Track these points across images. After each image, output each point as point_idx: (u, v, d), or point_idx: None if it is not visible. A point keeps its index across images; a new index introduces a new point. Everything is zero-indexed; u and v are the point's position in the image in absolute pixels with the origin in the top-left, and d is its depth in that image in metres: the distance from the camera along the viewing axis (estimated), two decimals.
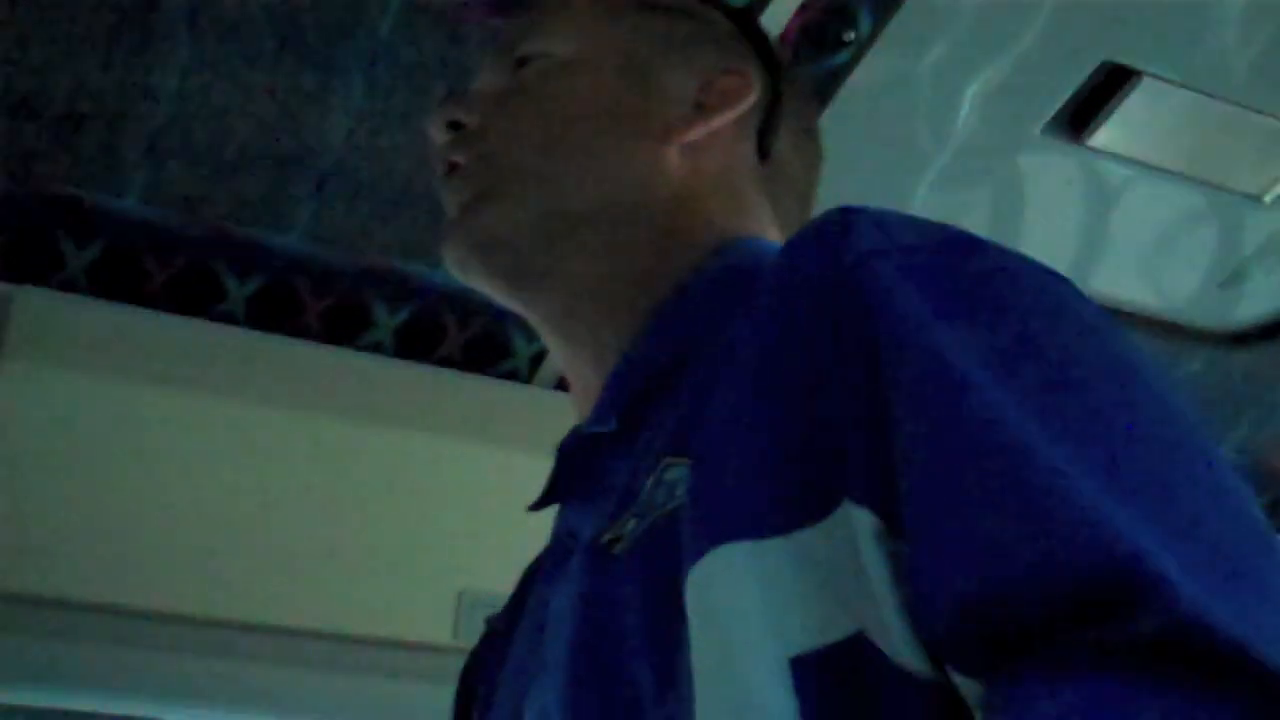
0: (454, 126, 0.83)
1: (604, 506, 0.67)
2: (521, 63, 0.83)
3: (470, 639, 0.88)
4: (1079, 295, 0.57)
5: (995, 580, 0.45)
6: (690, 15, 0.87)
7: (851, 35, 1.35)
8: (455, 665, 0.87)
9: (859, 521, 0.51)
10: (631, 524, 0.63)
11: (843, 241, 0.58)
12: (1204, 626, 0.41)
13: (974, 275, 0.56)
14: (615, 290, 0.76)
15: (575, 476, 0.75)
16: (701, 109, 0.81)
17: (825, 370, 0.55)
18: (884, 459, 0.51)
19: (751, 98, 0.81)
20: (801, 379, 0.56)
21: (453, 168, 0.81)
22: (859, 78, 1.38)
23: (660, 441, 0.65)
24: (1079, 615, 0.43)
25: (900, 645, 0.49)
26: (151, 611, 1.46)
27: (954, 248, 0.57)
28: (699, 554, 0.55)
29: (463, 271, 0.80)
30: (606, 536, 0.64)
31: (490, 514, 1.61)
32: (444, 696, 0.87)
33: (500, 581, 0.89)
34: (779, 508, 0.54)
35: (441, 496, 1.64)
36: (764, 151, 0.83)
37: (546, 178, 0.78)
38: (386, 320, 1.63)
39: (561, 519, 0.77)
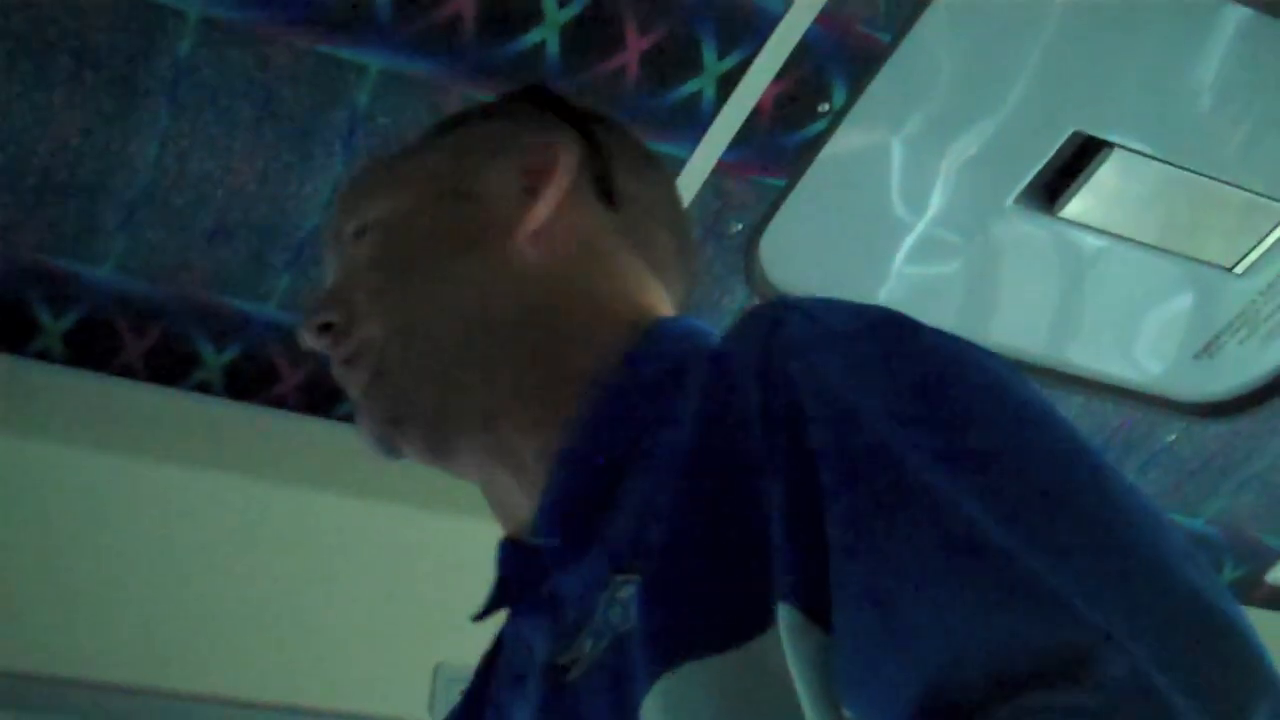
0: (324, 328, 0.82)
1: (557, 623, 0.67)
2: (359, 236, 0.83)
3: (446, 713, 0.87)
4: (1010, 370, 0.58)
5: (952, 660, 0.46)
6: (485, 115, 0.87)
7: (826, 106, 1.36)
8: None
9: (784, 618, 0.51)
10: (589, 644, 0.62)
11: (773, 336, 0.59)
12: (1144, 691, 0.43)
13: (904, 356, 0.56)
14: (528, 400, 0.74)
15: (522, 586, 0.74)
16: (530, 192, 0.80)
17: (761, 472, 0.55)
18: (812, 552, 0.51)
19: (571, 158, 0.80)
20: (742, 486, 0.56)
21: (345, 363, 0.81)
22: (834, 148, 1.40)
23: (611, 556, 0.64)
24: (1025, 685, 0.44)
25: None
26: (124, 686, 1.44)
27: (884, 330, 0.58)
28: (655, 676, 0.54)
29: (385, 448, 0.78)
30: (563, 659, 0.64)
31: (466, 587, 1.58)
32: None
33: (477, 655, 0.88)
34: (735, 619, 0.54)
35: (417, 569, 1.62)
36: (610, 199, 0.82)
37: (417, 324, 0.77)
38: None
39: (512, 624, 0.76)
